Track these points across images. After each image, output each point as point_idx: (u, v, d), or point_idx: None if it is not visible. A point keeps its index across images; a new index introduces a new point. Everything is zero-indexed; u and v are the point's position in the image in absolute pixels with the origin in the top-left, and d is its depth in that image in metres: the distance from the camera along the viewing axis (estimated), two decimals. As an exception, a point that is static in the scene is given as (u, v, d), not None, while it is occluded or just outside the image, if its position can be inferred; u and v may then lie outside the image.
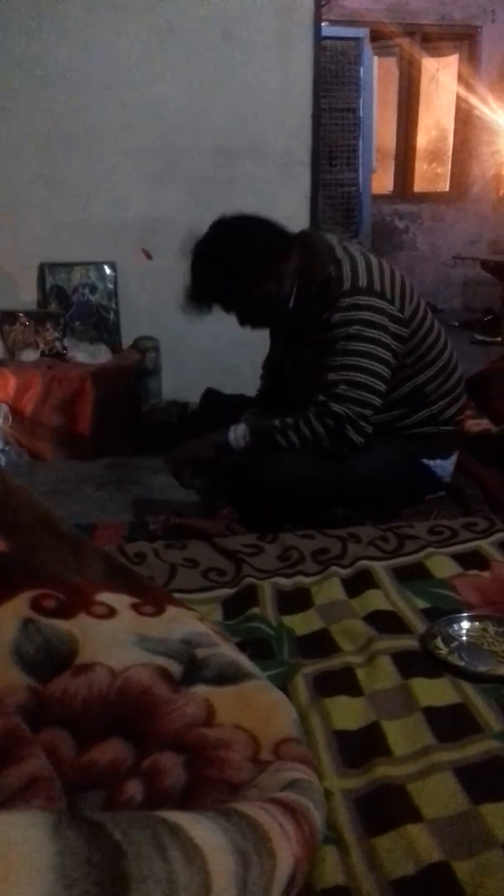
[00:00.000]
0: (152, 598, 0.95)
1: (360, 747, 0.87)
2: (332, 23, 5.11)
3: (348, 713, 0.93)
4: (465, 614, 1.14)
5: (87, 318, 3.22)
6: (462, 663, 1.02)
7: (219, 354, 3.11)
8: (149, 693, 0.79)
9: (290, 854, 0.58)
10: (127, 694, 0.79)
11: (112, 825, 0.48)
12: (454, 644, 1.07)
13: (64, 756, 0.72)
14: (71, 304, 3.19)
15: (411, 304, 1.77)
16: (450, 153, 6.57)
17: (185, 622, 0.93)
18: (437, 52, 6.19)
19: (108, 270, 3.19)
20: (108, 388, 2.94)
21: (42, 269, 3.16)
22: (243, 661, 0.90)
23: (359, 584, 1.26)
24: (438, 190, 6.69)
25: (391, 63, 6.13)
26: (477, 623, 1.11)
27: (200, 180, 3.11)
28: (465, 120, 6.26)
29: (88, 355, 3.03)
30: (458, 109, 6.29)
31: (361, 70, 4.64)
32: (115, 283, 3.20)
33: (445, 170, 6.67)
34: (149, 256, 3.19)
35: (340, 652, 1.07)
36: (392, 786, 0.80)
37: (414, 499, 1.86)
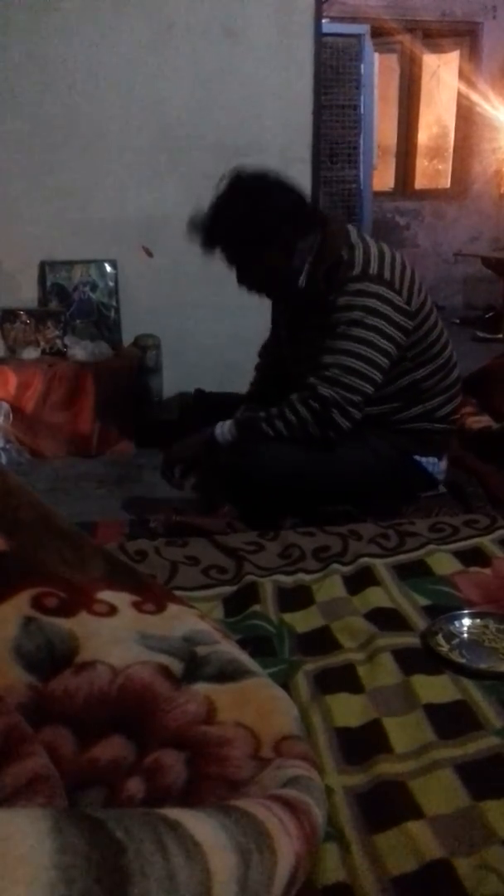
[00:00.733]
0: (153, 596, 0.95)
1: (361, 744, 0.87)
2: (333, 19, 5.09)
3: (349, 710, 0.93)
4: (466, 611, 1.14)
5: (87, 316, 3.21)
6: (463, 660, 1.02)
7: (220, 351, 3.10)
8: (150, 691, 0.79)
9: (292, 851, 0.58)
10: (128, 692, 0.79)
11: (113, 823, 0.48)
12: (455, 641, 1.07)
13: (65, 754, 0.73)
14: (72, 302, 3.18)
15: (419, 297, 1.76)
16: (451, 150, 6.54)
17: (186, 620, 0.93)
18: (438, 49, 6.16)
19: (108, 268, 3.19)
20: (109, 385, 2.94)
21: (43, 266, 3.15)
22: (244, 658, 0.90)
23: (360, 581, 1.27)
24: (439, 187, 6.67)
25: (392, 59, 6.11)
26: (478, 620, 1.12)
27: (201, 177, 3.08)
28: (467, 116, 6.24)
29: (89, 353, 3.03)
30: (460, 106, 6.26)
31: (362, 67, 4.62)
32: (116, 281, 3.19)
33: (446, 166, 6.64)
34: (149, 254, 3.19)
35: (341, 649, 1.08)
36: (393, 783, 0.80)
37: (407, 496, 1.85)
